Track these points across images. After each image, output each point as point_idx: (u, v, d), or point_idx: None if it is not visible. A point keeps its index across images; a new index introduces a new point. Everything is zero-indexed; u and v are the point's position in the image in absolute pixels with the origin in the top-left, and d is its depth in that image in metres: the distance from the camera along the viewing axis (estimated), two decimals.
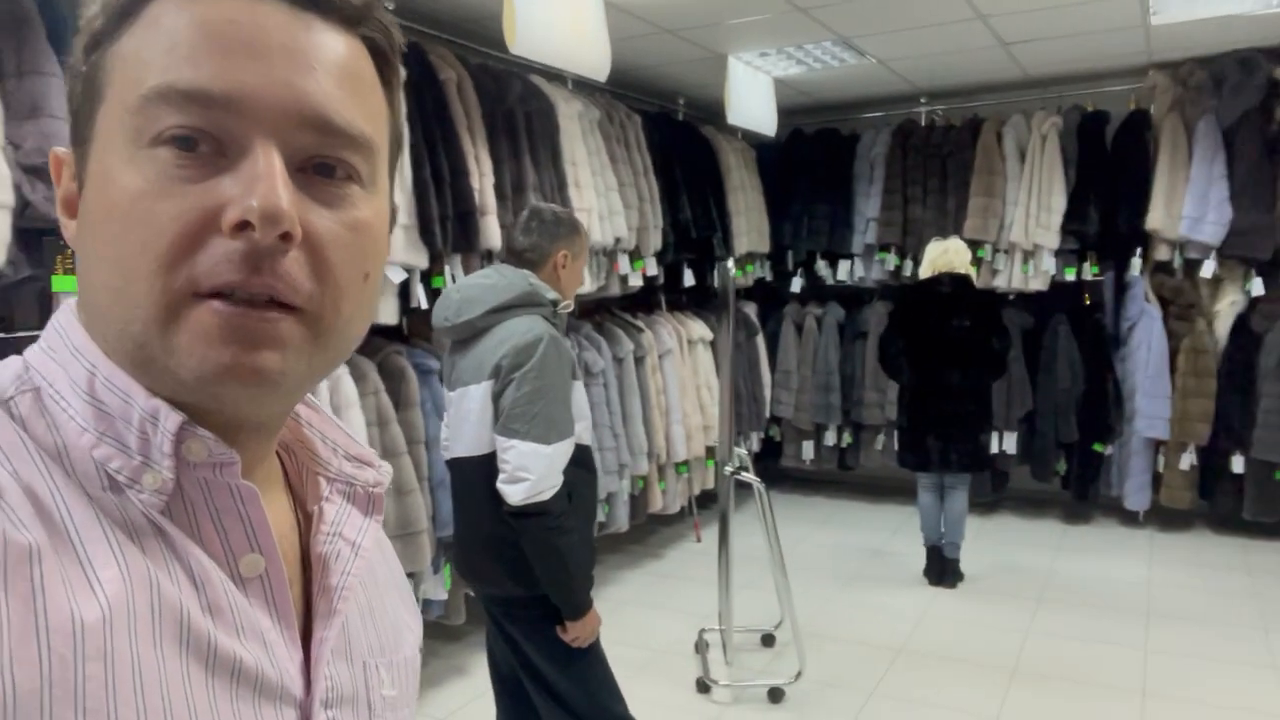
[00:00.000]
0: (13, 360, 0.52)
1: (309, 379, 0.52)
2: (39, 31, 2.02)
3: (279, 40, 0.48)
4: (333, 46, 0.50)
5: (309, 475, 0.62)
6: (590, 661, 2.05)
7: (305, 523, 0.60)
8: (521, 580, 1.98)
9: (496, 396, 1.93)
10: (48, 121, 2.01)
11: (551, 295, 2.04)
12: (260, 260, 0.46)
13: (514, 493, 1.89)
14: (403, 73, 0.56)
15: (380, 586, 0.65)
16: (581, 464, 2.01)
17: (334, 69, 0.50)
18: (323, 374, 0.53)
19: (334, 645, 0.56)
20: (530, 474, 1.87)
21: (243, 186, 0.46)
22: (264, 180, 0.46)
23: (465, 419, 2.00)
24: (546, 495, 1.89)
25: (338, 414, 2.86)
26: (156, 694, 0.44)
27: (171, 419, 0.48)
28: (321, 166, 0.50)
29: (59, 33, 2.08)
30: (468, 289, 2.04)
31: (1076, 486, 5.20)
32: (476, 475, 1.99)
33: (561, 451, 1.92)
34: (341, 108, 0.50)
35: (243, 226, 0.45)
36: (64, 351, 0.51)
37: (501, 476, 1.91)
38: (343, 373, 2.91)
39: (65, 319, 0.53)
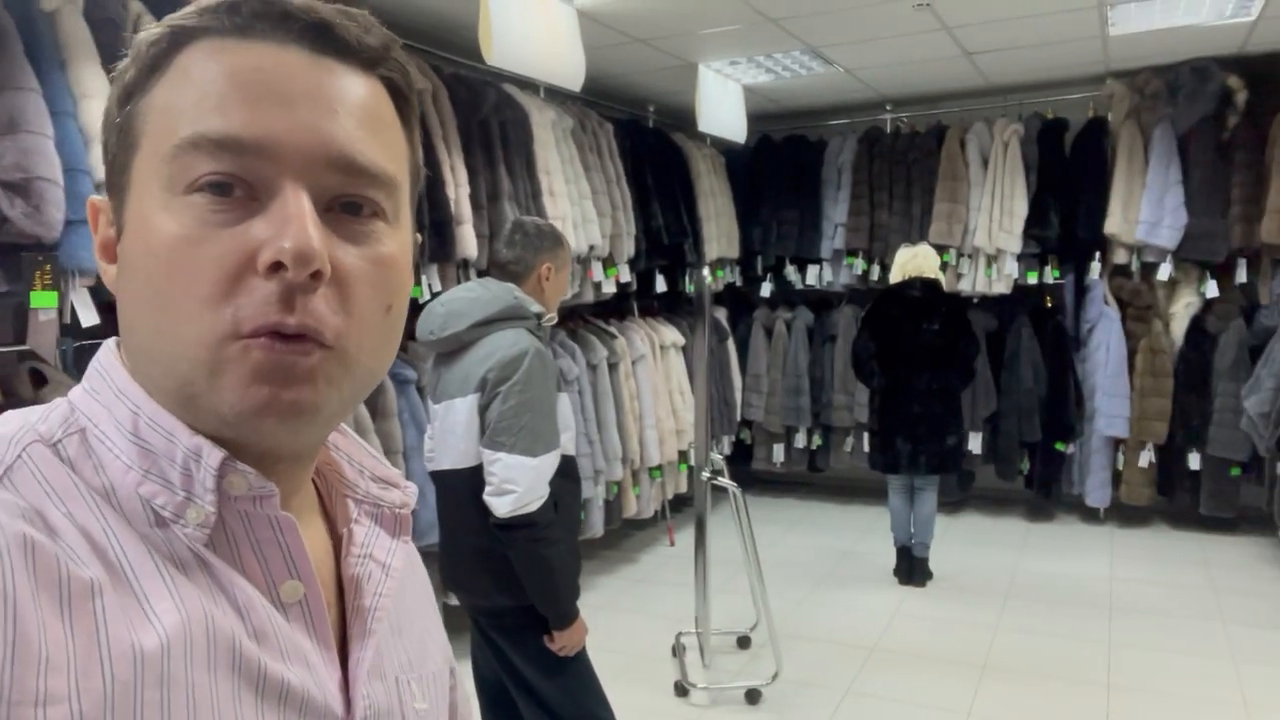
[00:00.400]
0: (59, 403, 0.54)
1: (341, 410, 0.54)
2: (16, 48, 2.00)
3: (303, 86, 0.50)
4: (354, 89, 0.53)
5: (338, 498, 0.64)
6: (577, 669, 2.08)
7: (337, 544, 0.62)
8: (508, 591, 2.00)
9: (483, 409, 1.95)
10: (25, 137, 2.00)
11: (536, 308, 2.06)
12: (293, 300, 0.49)
13: (501, 505, 1.91)
14: (419, 109, 0.59)
15: (408, 602, 0.67)
16: (567, 475, 2.04)
17: (356, 111, 0.52)
18: (354, 404, 0.55)
19: (370, 665, 0.57)
20: (517, 486, 1.89)
21: (275, 228, 0.48)
22: (295, 222, 0.48)
23: (451, 432, 2.01)
24: (533, 507, 1.91)
25: None
26: (209, 717, 0.47)
27: (214, 455, 0.50)
28: (348, 205, 0.52)
29: (35, 49, 2.07)
30: (452, 302, 2.05)
31: (1040, 485, 5.32)
32: (463, 488, 2.01)
33: (548, 463, 1.94)
34: (364, 148, 0.52)
35: (277, 267, 0.48)
36: (108, 393, 0.53)
37: (488, 489, 1.93)
38: None
39: (107, 360, 0.55)
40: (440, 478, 2.11)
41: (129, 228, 0.51)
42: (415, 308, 3.23)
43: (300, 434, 0.52)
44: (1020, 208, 5.16)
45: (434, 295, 3.26)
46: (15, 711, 0.40)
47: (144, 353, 0.52)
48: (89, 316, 2.22)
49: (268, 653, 0.51)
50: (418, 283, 3.20)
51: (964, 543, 5.05)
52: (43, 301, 2.10)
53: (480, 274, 3.32)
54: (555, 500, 1.98)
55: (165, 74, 0.51)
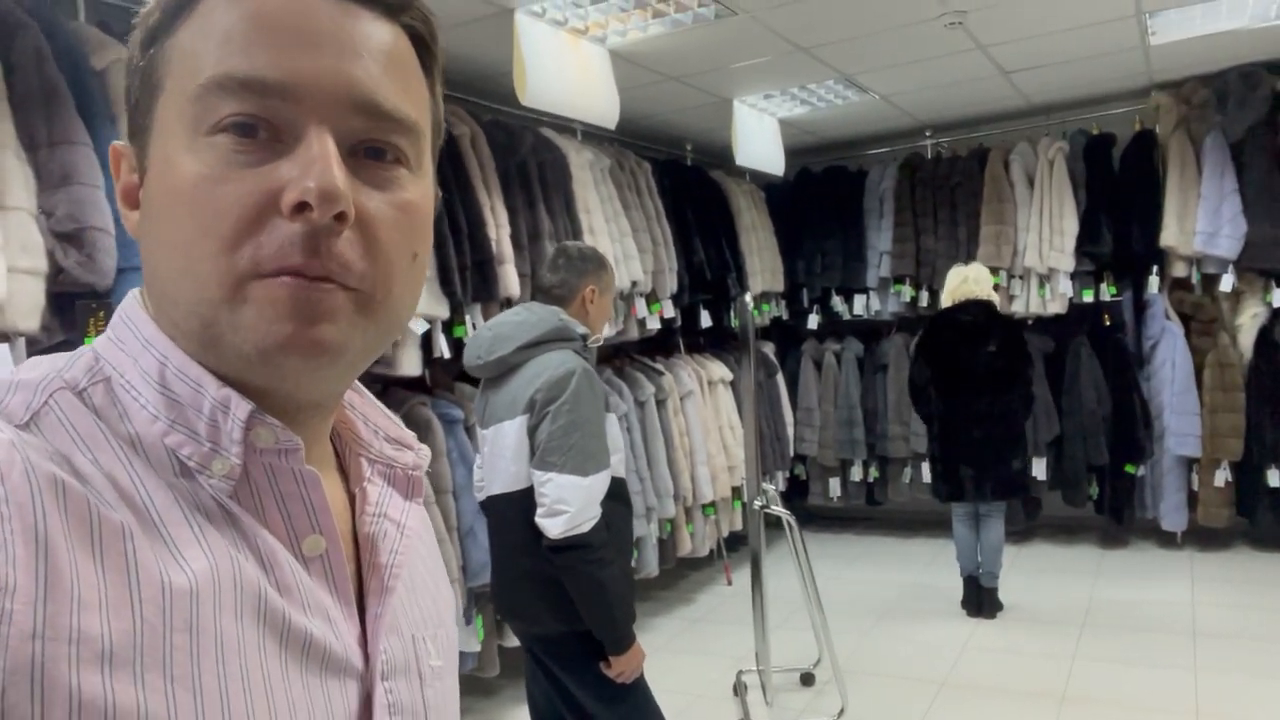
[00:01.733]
0: (83, 351, 0.53)
1: (363, 355, 0.53)
2: (68, 103, 2.09)
3: (328, 29, 0.50)
4: (378, 34, 0.52)
5: (352, 456, 0.63)
6: (636, 697, 2.03)
7: (352, 502, 0.61)
8: (563, 616, 1.97)
9: (532, 431, 1.95)
10: (77, 189, 2.07)
11: (581, 330, 2.06)
12: (318, 242, 0.48)
13: (553, 526, 1.89)
14: (442, 60, 0.59)
15: (423, 562, 0.67)
16: (617, 497, 2.01)
17: (380, 56, 0.52)
18: (376, 351, 0.55)
19: (388, 621, 0.57)
20: (569, 506, 1.87)
21: (300, 169, 0.48)
22: (319, 162, 0.48)
23: (501, 455, 2.01)
24: (586, 527, 1.89)
25: None
26: (236, 663, 0.47)
27: (242, 407, 0.50)
28: (371, 150, 0.51)
29: (86, 104, 2.15)
30: (499, 326, 2.07)
31: (1111, 510, 5.12)
32: (514, 511, 2.00)
33: (599, 482, 1.92)
34: (389, 93, 0.52)
35: (301, 208, 0.47)
36: (134, 343, 0.53)
37: (540, 510, 1.91)
38: None
39: (132, 310, 0.54)
40: (491, 503, 2.10)
41: (152, 170, 0.51)
42: (460, 347, 3.26)
43: (322, 375, 0.52)
44: (1070, 225, 5.05)
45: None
46: (49, 648, 0.40)
47: (167, 296, 0.51)
48: None
49: (292, 605, 0.51)
50: (461, 322, 3.22)
51: (1034, 572, 4.86)
52: None
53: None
54: (606, 522, 1.95)
55: (190, 16, 0.51)
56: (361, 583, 0.58)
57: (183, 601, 0.45)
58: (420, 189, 0.55)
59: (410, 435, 0.66)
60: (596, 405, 1.97)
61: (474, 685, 3.65)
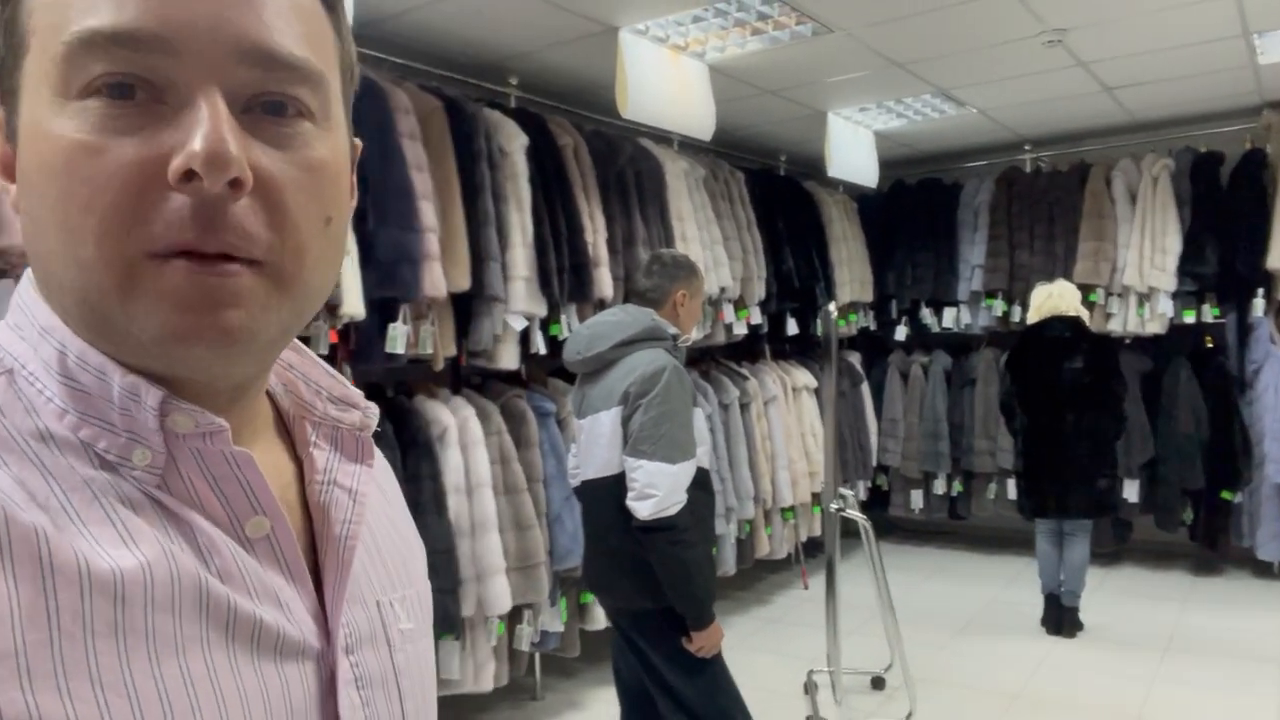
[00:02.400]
0: None
1: (282, 335, 0.50)
2: None
3: None
4: None
5: (296, 419, 0.59)
6: (714, 672, 2.18)
7: (300, 467, 0.58)
8: (649, 593, 2.14)
9: (625, 421, 2.13)
10: None
11: (672, 330, 2.24)
12: (212, 214, 0.43)
13: (642, 509, 2.06)
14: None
15: (385, 522, 0.63)
16: (702, 486, 2.18)
17: None
18: (295, 328, 0.51)
19: (348, 592, 0.54)
20: (657, 490, 2.04)
21: (185, 132, 0.43)
22: (206, 124, 0.43)
23: (596, 443, 2.19)
24: (672, 511, 2.05)
25: (464, 451, 3.09)
26: (174, 662, 0.44)
27: (152, 394, 0.46)
28: (269, 105, 0.46)
29: None
30: (597, 325, 2.26)
31: (1205, 537, 4.99)
32: (606, 495, 2.18)
33: (686, 470, 2.09)
34: (283, 38, 0.46)
35: (189, 176, 0.42)
36: (31, 330, 0.48)
37: (630, 494, 2.09)
38: (470, 413, 3.14)
39: (28, 295, 0.50)
40: (585, 488, 2.29)
41: (23, 139, 0.46)
42: (555, 344, 3.46)
43: (234, 363, 0.48)
44: (1173, 244, 4.95)
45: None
46: None
47: (52, 279, 0.47)
48: None
49: (236, 592, 0.47)
50: (557, 320, 3.42)
51: (1120, 595, 4.79)
52: None
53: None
54: (691, 508, 2.11)
55: None
56: (317, 554, 0.55)
57: (106, 604, 0.42)
58: (329, 144, 0.49)
59: (357, 394, 0.60)
60: (685, 399, 2.13)
61: (555, 666, 3.84)
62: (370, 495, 0.58)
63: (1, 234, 1.95)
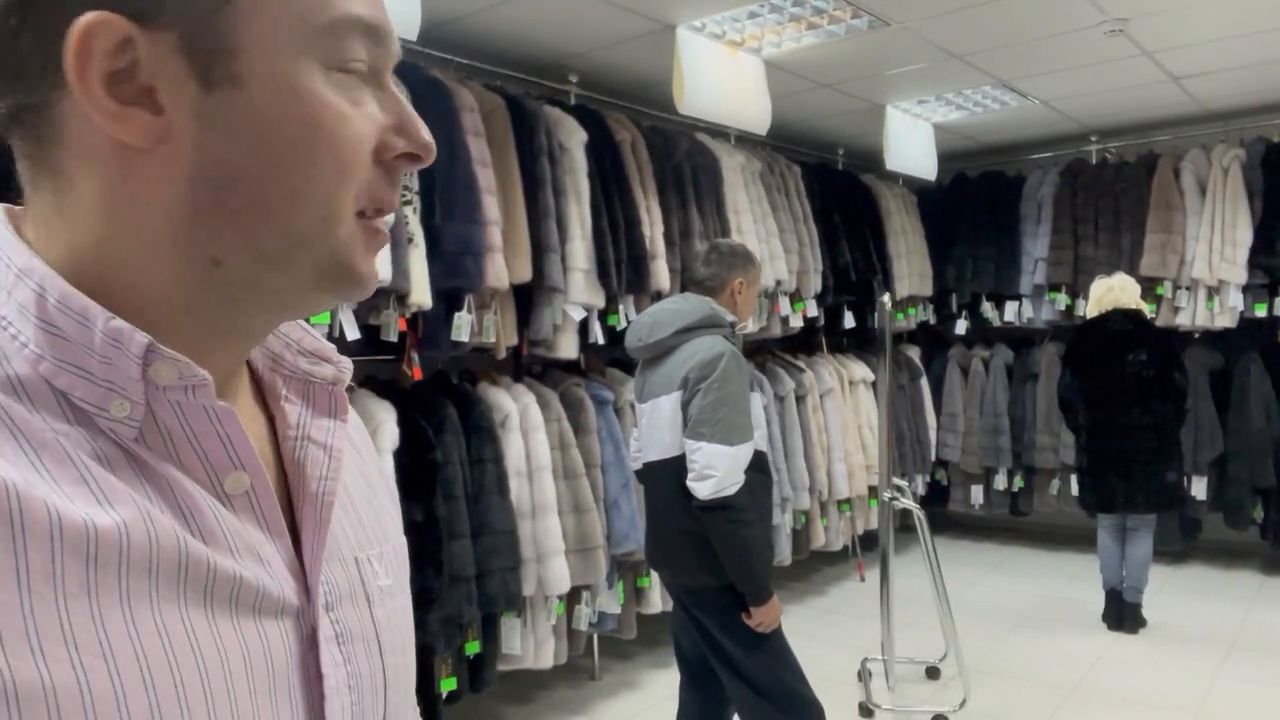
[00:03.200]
0: None
1: None
2: None
3: None
4: None
5: (267, 373, 0.59)
6: (774, 647, 2.26)
7: (272, 423, 0.58)
8: (710, 571, 2.22)
9: (685, 405, 2.21)
10: None
11: (730, 318, 2.32)
12: (396, 182, 0.53)
13: (702, 489, 2.14)
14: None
15: (359, 478, 0.64)
16: (759, 468, 2.25)
17: None
18: None
19: (327, 549, 0.55)
20: (716, 471, 2.13)
21: (397, 119, 0.52)
22: (415, 119, 0.52)
23: (656, 426, 2.29)
24: (730, 491, 2.14)
25: (525, 436, 3.21)
26: (151, 621, 0.43)
27: (136, 341, 0.45)
28: None
29: None
30: (658, 313, 2.35)
31: (1276, 535, 4.86)
32: (668, 476, 2.27)
33: (744, 452, 2.17)
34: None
35: (410, 158, 0.52)
36: (6, 273, 0.47)
37: (690, 475, 2.18)
38: (530, 400, 3.26)
39: (1, 236, 0.48)
40: (648, 469, 2.38)
41: (259, 84, 0.47)
42: (613, 334, 3.55)
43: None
44: (1244, 236, 4.84)
45: (630, 323, 3.57)
46: None
47: (259, 212, 0.48)
48: (353, 333, 2.66)
49: (216, 550, 0.47)
50: (615, 311, 3.52)
51: (1186, 593, 4.71)
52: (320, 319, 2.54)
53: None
54: (749, 489, 2.19)
55: None
56: (293, 510, 0.55)
57: (77, 564, 0.41)
58: None
59: (330, 347, 0.61)
60: (742, 384, 2.21)
61: (611, 648, 3.94)
62: (345, 451, 0.58)
63: None
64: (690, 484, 2.17)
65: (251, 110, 0.47)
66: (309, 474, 0.55)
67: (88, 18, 0.43)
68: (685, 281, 2.44)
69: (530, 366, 3.68)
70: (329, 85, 0.48)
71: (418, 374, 3.08)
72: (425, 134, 0.52)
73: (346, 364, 0.60)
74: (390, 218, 0.55)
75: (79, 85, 0.44)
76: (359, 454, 0.66)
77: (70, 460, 0.43)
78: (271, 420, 0.58)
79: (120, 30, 0.44)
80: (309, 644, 0.52)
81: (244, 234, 0.48)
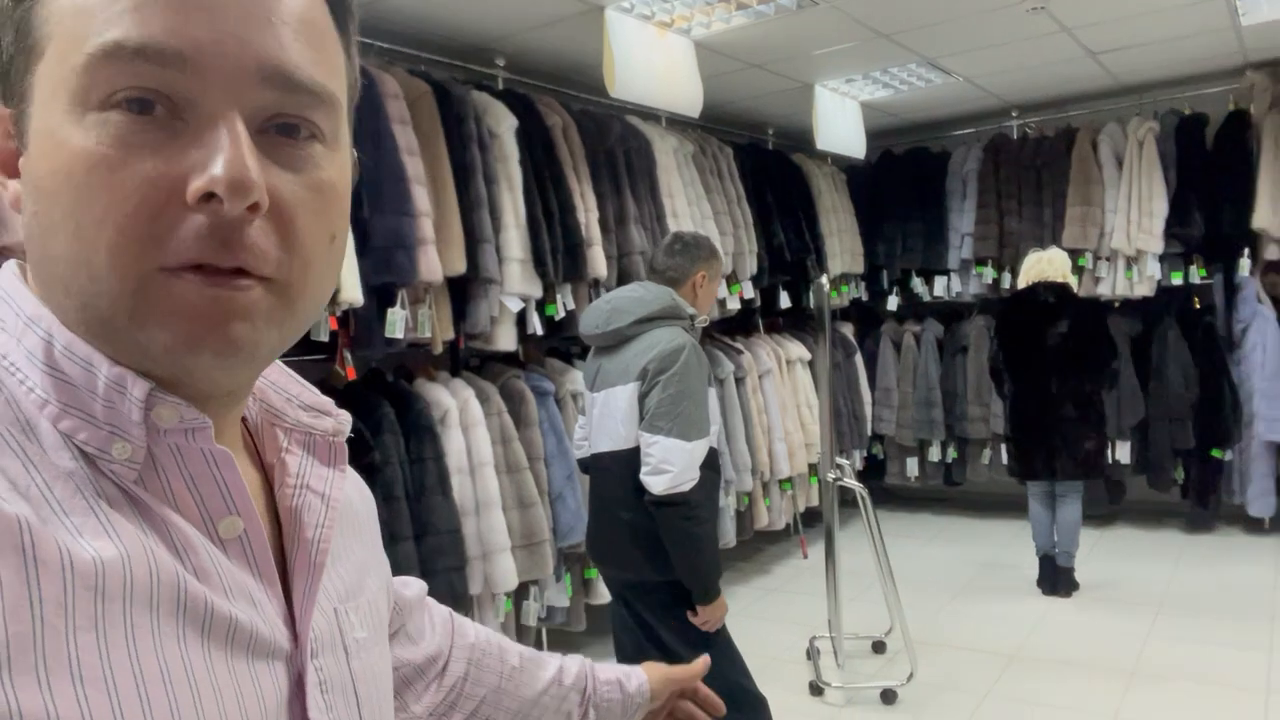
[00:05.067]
0: None
1: (280, 346, 0.51)
2: None
3: None
4: None
5: (265, 427, 0.60)
6: (720, 643, 2.23)
7: (266, 475, 0.59)
8: (656, 565, 2.18)
9: (643, 397, 2.16)
10: None
11: (690, 310, 2.27)
12: (228, 234, 0.45)
13: (657, 483, 2.10)
14: (357, 15, 0.55)
15: (347, 531, 0.64)
16: (710, 465, 2.21)
17: (291, 19, 0.47)
18: (293, 338, 0.52)
19: (317, 597, 0.56)
20: (673, 466, 2.09)
21: (206, 155, 0.44)
22: (229, 149, 0.44)
23: (610, 416, 2.23)
24: (686, 487, 2.10)
25: (466, 432, 3.13)
26: (153, 658, 0.44)
27: (139, 386, 0.47)
28: (283, 126, 0.48)
29: None
30: (617, 301, 2.29)
31: (1197, 495, 5.07)
32: (619, 468, 2.22)
33: (700, 448, 2.13)
34: (302, 61, 0.47)
35: (208, 198, 0.44)
36: (15, 321, 0.48)
37: (645, 469, 2.13)
38: (470, 395, 3.18)
39: (11, 285, 0.50)
40: (597, 459, 2.32)
41: (36, 145, 0.46)
42: (551, 325, 3.49)
43: (236, 372, 0.50)
44: (1160, 207, 5.00)
45: (569, 313, 3.51)
46: None
47: (58, 282, 0.47)
48: None
49: (212, 591, 0.48)
50: (552, 301, 3.45)
51: (1115, 555, 4.87)
52: None
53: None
54: (701, 485, 2.15)
55: None
56: (285, 559, 0.56)
57: (87, 597, 0.42)
58: (336, 165, 0.51)
59: (328, 401, 0.62)
60: (702, 379, 2.17)
61: (560, 640, 3.90)
62: (340, 502, 0.59)
63: (3, 233, 1.97)
64: (644, 478, 2.13)
65: (29, 169, 0.47)
66: (305, 521, 0.56)
67: None
68: (648, 270, 2.38)
69: (468, 360, 3.59)
70: (86, 127, 0.44)
71: (351, 374, 2.98)
72: (223, 170, 0.43)
73: (345, 417, 0.62)
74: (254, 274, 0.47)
75: None
76: (352, 508, 0.66)
77: (80, 493, 0.44)
78: (267, 475, 0.59)
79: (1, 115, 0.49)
80: (296, 689, 0.53)
81: (58, 298, 0.47)
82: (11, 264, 0.51)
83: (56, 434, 0.46)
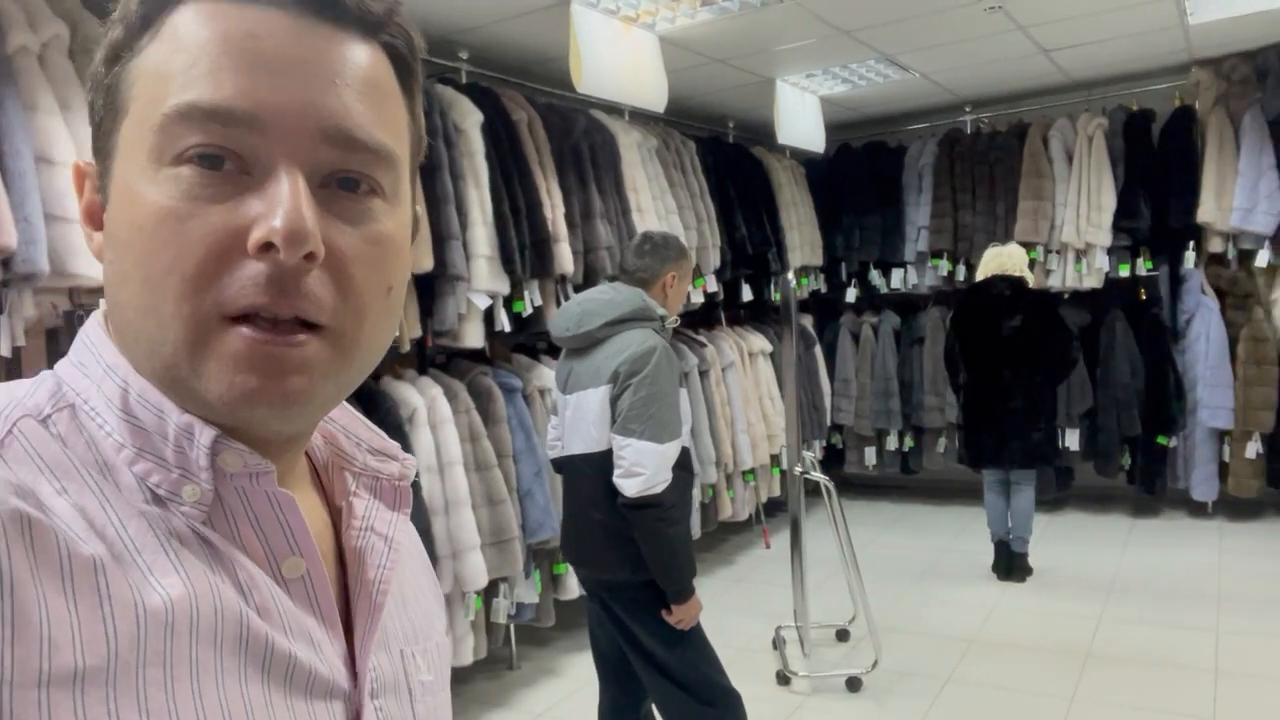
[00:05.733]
0: (46, 377, 0.52)
1: (336, 396, 0.53)
2: None
3: (298, 54, 0.48)
4: (353, 58, 0.50)
5: (334, 470, 0.62)
6: (695, 641, 2.25)
7: (335, 516, 0.60)
8: (630, 565, 2.19)
9: (615, 400, 2.16)
10: None
11: (661, 311, 2.27)
12: (285, 282, 0.47)
13: (630, 486, 2.11)
14: (421, 76, 0.57)
15: (409, 576, 0.66)
16: (682, 465, 2.22)
17: (355, 81, 0.50)
18: (350, 388, 0.54)
19: (376, 638, 0.57)
20: (645, 469, 2.09)
21: (266, 206, 0.46)
22: (287, 201, 0.46)
23: (583, 419, 2.23)
24: (659, 489, 2.11)
25: (434, 430, 3.11)
26: (214, 694, 0.46)
27: (206, 433, 0.49)
28: (344, 181, 0.50)
29: None
30: (587, 303, 2.27)
31: (1143, 480, 5.24)
32: (592, 470, 2.22)
33: (673, 450, 2.14)
34: (363, 121, 0.50)
35: (267, 248, 0.46)
36: (96, 368, 0.51)
37: (618, 471, 2.13)
38: (437, 392, 3.16)
39: (95, 334, 0.53)
40: (569, 462, 2.32)
41: (115, 198, 0.50)
42: (518, 321, 3.47)
43: (291, 422, 0.51)
44: (1108, 201, 5.14)
45: (535, 309, 3.50)
46: (18, 694, 0.40)
47: (128, 329, 0.50)
48: None
49: (274, 629, 0.50)
50: (520, 298, 3.43)
51: (1065, 540, 5.02)
52: None
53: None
54: (674, 486, 2.16)
55: (155, 35, 0.49)
56: (348, 600, 0.57)
57: (157, 633, 0.44)
58: (395, 219, 0.53)
59: (395, 446, 0.64)
60: (673, 381, 2.18)
61: (529, 635, 3.90)
62: (401, 543, 0.61)
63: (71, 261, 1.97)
64: (617, 480, 2.13)
65: (109, 221, 0.50)
66: (368, 562, 0.58)
67: (75, 161, 0.54)
68: (619, 270, 2.37)
69: (434, 358, 3.57)
70: (159, 181, 0.47)
71: None
72: (281, 221, 0.46)
73: (411, 462, 0.64)
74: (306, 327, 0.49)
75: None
76: (413, 550, 0.69)
77: (152, 533, 0.47)
78: (334, 515, 0.61)
79: (84, 169, 0.53)
80: None
81: (129, 345, 0.50)
82: (98, 313, 0.54)
83: (132, 476, 0.49)
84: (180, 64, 0.47)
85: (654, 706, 2.36)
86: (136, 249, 0.47)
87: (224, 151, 0.47)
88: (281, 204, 0.46)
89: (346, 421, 0.63)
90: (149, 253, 0.47)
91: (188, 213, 0.46)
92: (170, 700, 0.44)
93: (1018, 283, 4.34)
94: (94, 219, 0.53)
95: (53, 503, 0.45)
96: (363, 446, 0.63)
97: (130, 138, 0.49)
